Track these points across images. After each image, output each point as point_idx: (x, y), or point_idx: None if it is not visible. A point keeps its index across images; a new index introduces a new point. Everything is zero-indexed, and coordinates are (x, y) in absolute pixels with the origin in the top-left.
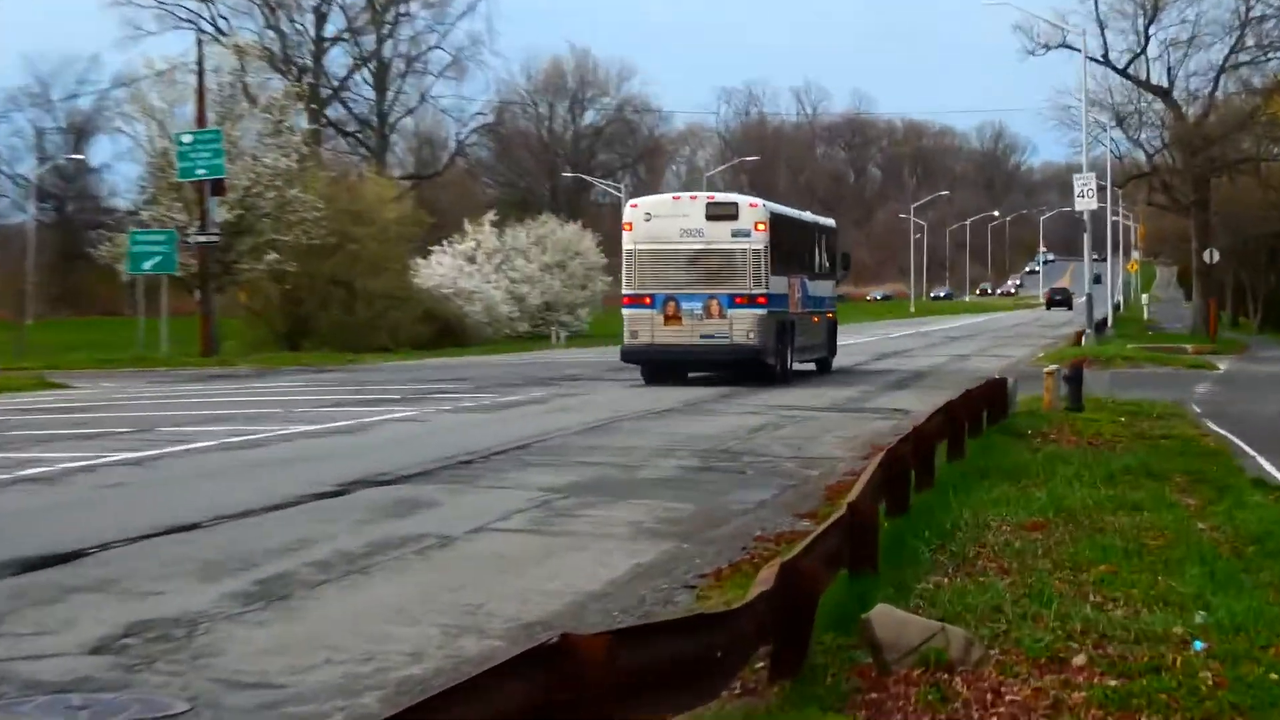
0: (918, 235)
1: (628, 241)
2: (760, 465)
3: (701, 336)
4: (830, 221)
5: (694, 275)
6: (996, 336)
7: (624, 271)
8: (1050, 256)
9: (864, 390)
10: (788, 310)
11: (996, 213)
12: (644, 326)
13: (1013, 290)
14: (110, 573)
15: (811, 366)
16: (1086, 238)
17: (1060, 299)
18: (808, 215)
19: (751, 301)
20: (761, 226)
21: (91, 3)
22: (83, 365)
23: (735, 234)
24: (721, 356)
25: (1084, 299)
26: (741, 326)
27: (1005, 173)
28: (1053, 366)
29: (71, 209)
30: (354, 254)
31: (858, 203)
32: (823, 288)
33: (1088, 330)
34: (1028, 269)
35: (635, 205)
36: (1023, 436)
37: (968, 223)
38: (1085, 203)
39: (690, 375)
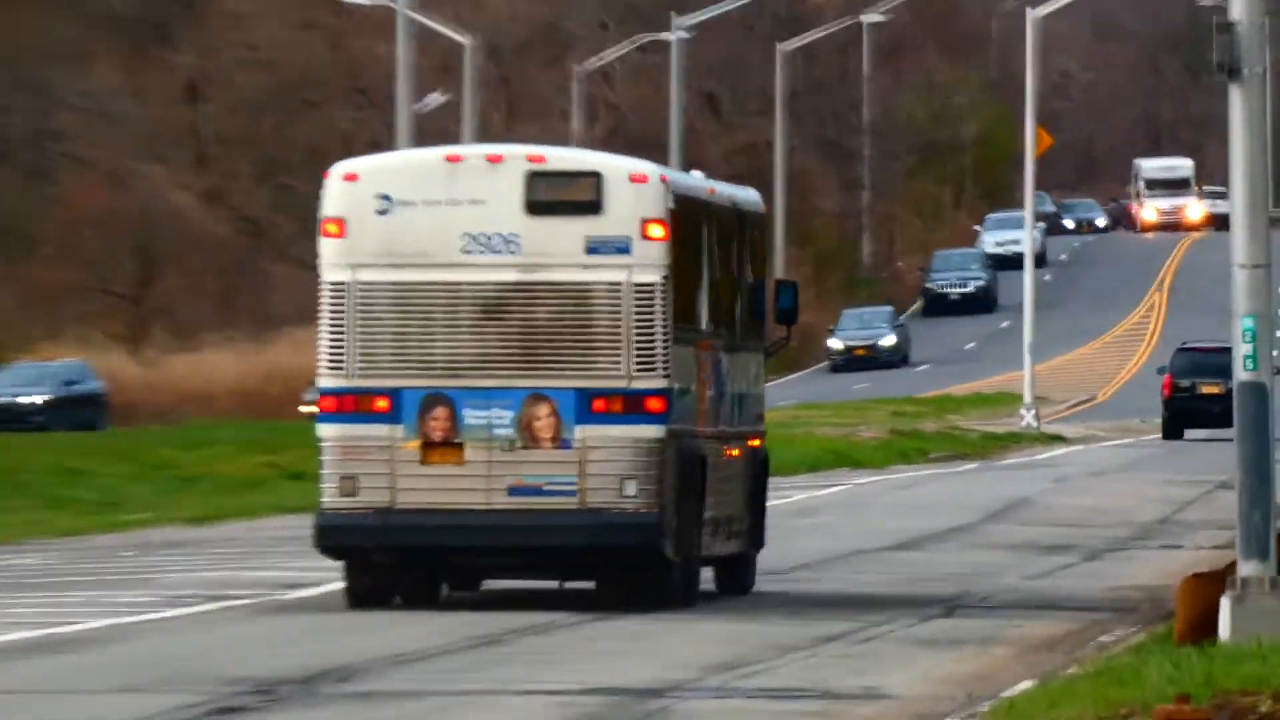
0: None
1: (333, 259)
2: None
3: (510, 492)
4: (755, 200)
5: (493, 343)
6: None
7: (322, 332)
8: None
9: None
10: (695, 428)
11: None
12: (372, 468)
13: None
14: None
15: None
16: None
17: None
18: (721, 189)
19: (634, 408)
20: (658, 228)
21: None
22: None
23: (595, 246)
24: (555, 540)
25: None
26: (607, 468)
27: None
28: None
29: None
30: None
31: None
32: (745, 368)
33: None
34: None
35: (353, 176)
36: None
37: None
38: None
39: (484, 584)
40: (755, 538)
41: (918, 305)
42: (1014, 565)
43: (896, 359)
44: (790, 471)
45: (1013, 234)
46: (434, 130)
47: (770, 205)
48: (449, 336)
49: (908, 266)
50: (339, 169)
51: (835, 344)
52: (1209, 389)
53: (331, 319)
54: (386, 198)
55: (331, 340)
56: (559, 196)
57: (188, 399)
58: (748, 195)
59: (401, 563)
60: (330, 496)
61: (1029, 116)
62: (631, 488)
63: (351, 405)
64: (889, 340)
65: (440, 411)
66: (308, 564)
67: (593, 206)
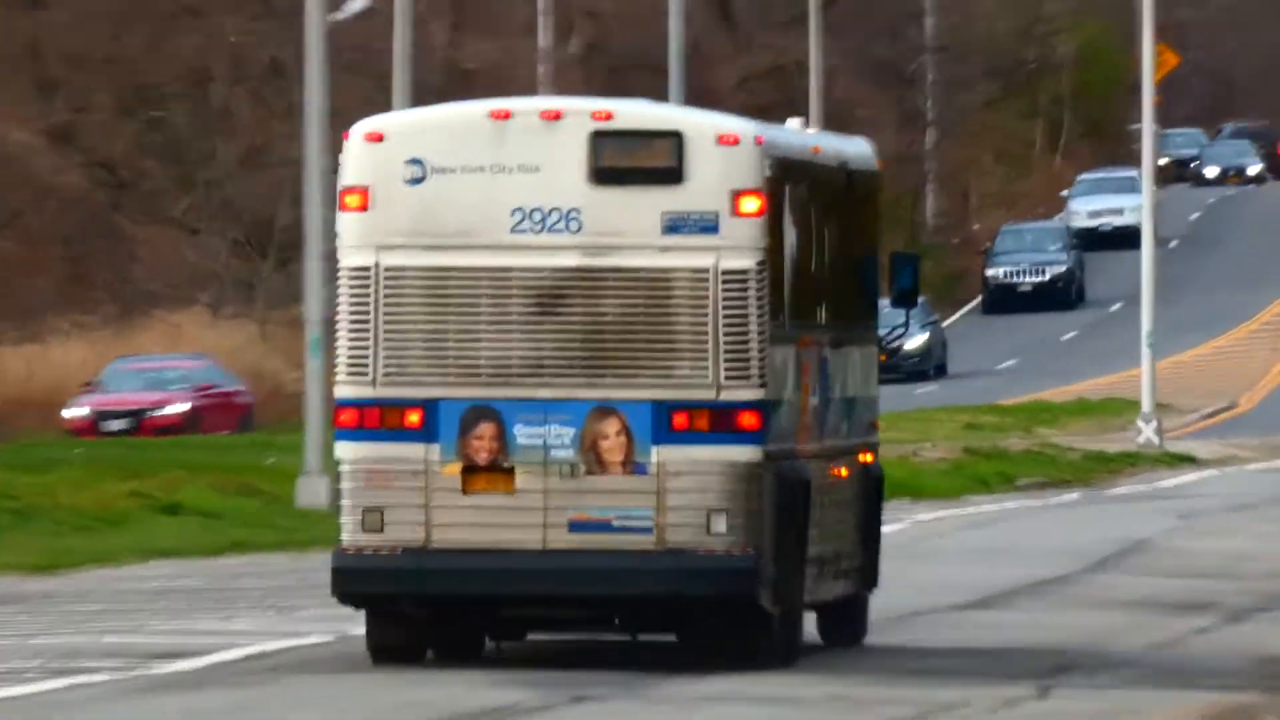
0: None
1: (354, 239)
2: None
3: (572, 528)
4: (868, 155)
5: (551, 344)
6: None
7: (340, 330)
8: None
9: None
10: (797, 446)
11: None
12: (403, 497)
13: None
14: None
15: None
16: None
17: None
18: (827, 144)
19: (724, 424)
20: (752, 201)
21: None
22: None
23: (674, 223)
24: (627, 588)
25: None
26: (691, 499)
27: None
28: None
29: None
30: None
31: None
32: (856, 365)
33: None
34: None
35: (377, 135)
36: None
37: None
38: None
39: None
40: (868, 576)
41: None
42: (1130, 629)
43: (928, 368)
44: None
45: (1115, 200)
46: (354, 45)
47: None
48: (496, 335)
49: (981, 234)
50: (360, 127)
51: None
52: None
53: (353, 313)
54: (419, 163)
55: (353, 339)
56: (631, 162)
57: (24, 405)
58: (859, 150)
59: (438, 614)
60: (351, 532)
61: (1147, 28)
62: (721, 524)
63: (376, 420)
64: (918, 342)
65: (486, 428)
66: (186, 625)
67: (672, 174)
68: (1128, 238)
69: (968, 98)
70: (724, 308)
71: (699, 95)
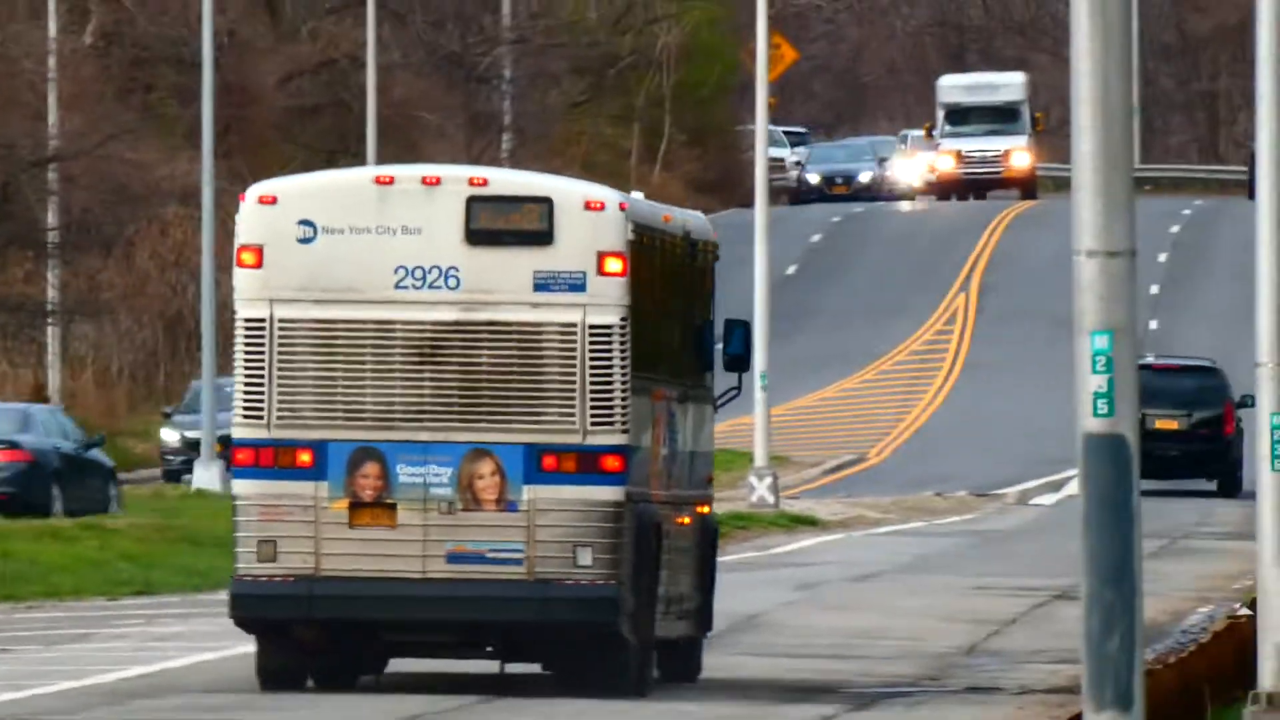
0: None
1: (249, 292)
2: None
3: (449, 559)
4: (706, 227)
5: (431, 391)
6: None
7: (236, 376)
8: None
9: None
10: (650, 490)
11: None
12: (294, 530)
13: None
14: None
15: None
16: None
17: None
18: (675, 215)
19: (589, 466)
20: (616, 262)
21: None
22: None
23: (545, 282)
24: (499, 614)
25: None
26: (559, 533)
27: None
28: None
29: None
30: None
31: None
32: (696, 422)
33: None
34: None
35: (270, 198)
36: None
37: None
38: None
39: (390, 661)
40: (704, 619)
41: None
42: None
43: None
44: None
45: None
46: None
47: (360, 155)
48: (380, 382)
49: None
50: (255, 190)
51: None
52: (1164, 424)
53: (247, 361)
54: (310, 224)
55: (248, 385)
56: (504, 225)
57: None
58: (699, 222)
59: (327, 636)
60: (246, 562)
61: (760, 17)
62: (586, 557)
63: (270, 459)
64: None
65: (371, 468)
66: None
67: (543, 236)
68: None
69: (552, 98)
70: (590, 359)
71: (236, 94)
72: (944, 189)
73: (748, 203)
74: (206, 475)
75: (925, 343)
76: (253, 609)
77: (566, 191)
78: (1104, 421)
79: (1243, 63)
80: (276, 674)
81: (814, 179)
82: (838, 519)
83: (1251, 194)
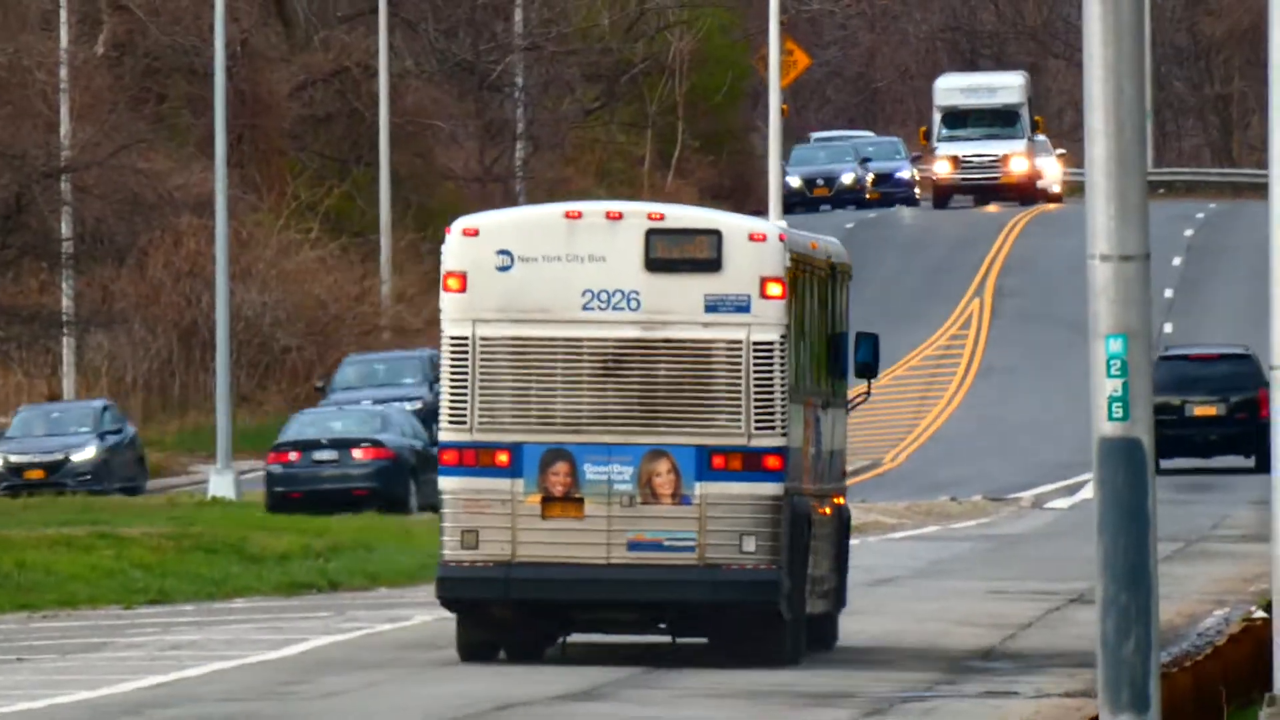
0: None
1: (454, 313)
2: None
3: (630, 547)
4: (842, 251)
5: (614, 399)
6: None
7: (444, 385)
8: None
9: None
10: (803, 485)
11: None
12: (494, 520)
13: None
14: None
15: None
16: None
17: None
18: (821, 243)
19: (753, 465)
20: (776, 286)
21: None
22: None
23: (714, 304)
24: (674, 595)
25: None
26: (727, 524)
27: None
28: None
29: None
30: None
31: None
32: (835, 424)
33: None
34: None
35: (472, 230)
36: None
37: None
38: None
39: (571, 638)
40: (839, 597)
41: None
42: None
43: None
44: None
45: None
46: None
47: (374, 164)
48: (569, 392)
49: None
50: (459, 224)
51: None
52: (1203, 410)
53: (453, 373)
54: (507, 253)
55: (453, 394)
56: (678, 254)
57: None
58: (837, 247)
59: (520, 616)
60: (451, 549)
61: (773, 23)
62: (750, 544)
63: (473, 459)
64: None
65: (561, 466)
66: None
67: (712, 264)
68: None
69: (564, 106)
70: (754, 371)
71: (249, 103)
72: (940, 195)
73: (761, 210)
74: (221, 483)
75: (940, 348)
76: (457, 591)
77: (733, 225)
78: (1119, 425)
79: (1256, 66)
80: (475, 647)
81: (795, 182)
82: (854, 524)
83: None
